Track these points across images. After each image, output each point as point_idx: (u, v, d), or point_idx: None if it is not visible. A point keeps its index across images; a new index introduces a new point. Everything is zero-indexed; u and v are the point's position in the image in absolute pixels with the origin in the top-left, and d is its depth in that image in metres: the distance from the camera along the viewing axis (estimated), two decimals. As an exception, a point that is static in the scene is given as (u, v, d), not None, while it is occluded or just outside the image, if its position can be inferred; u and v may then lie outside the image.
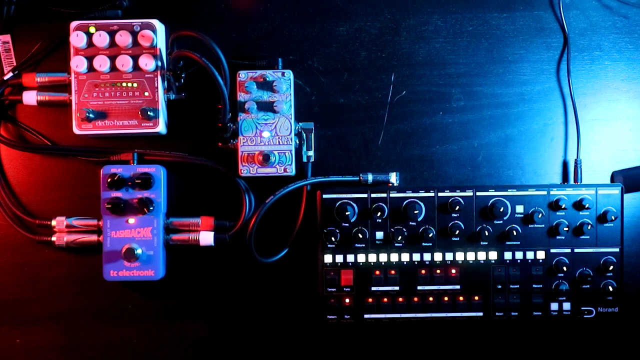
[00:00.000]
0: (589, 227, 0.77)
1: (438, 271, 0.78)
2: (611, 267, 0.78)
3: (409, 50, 0.81)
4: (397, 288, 0.78)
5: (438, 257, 0.78)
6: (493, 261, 0.78)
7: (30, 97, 0.78)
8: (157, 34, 0.77)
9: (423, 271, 0.78)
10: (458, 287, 0.78)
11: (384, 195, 0.78)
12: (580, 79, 0.82)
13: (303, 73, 0.81)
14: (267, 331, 0.81)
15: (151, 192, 0.77)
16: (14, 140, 0.80)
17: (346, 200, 0.77)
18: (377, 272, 0.78)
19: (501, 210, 0.77)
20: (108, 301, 0.81)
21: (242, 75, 0.77)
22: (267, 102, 0.77)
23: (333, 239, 0.77)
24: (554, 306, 0.79)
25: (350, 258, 0.78)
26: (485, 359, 0.82)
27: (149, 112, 0.76)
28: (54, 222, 0.78)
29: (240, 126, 0.77)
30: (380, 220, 0.78)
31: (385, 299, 0.78)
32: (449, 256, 0.78)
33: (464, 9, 0.81)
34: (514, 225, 0.78)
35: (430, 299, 0.78)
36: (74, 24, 0.76)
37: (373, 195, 0.78)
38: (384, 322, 0.78)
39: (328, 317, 0.78)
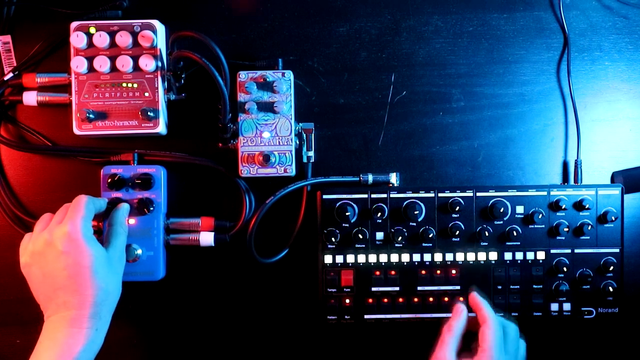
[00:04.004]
0: (589, 228, 0.77)
1: (438, 272, 0.78)
2: (611, 268, 0.78)
3: (409, 50, 0.81)
4: (397, 288, 0.78)
5: (438, 257, 0.78)
6: (493, 262, 0.78)
7: (30, 98, 0.78)
8: (157, 34, 0.77)
9: (423, 271, 0.78)
10: (458, 287, 0.78)
11: (384, 195, 0.78)
12: (580, 80, 0.82)
13: (303, 73, 0.81)
14: (268, 331, 0.81)
15: (151, 192, 0.77)
16: (14, 140, 0.80)
17: (346, 201, 0.77)
18: (378, 273, 0.78)
19: (501, 210, 0.77)
20: (108, 301, 0.81)
21: (242, 75, 0.77)
22: (268, 102, 0.77)
23: (333, 239, 0.77)
24: (554, 306, 0.79)
25: (351, 258, 0.78)
26: (486, 359, 0.82)
27: (149, 113, 0.76)
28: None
29: (240, 127, 0.77)
30: (380, 221, 0.78)
31: (386, 300, 0.78)
32: (449, 256, 0.78)
33: (464, 10, 0.81)
34: (514, 225, 0.78)
35: (431, 299, 0.78)
36: (74, 24, 0.76)
37: (373, 195, 0.78)
38: (384, 322, 0.78)
39: (328, 317, 0.78)
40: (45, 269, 0.67)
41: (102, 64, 0.76)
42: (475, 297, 0.73)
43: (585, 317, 0.79)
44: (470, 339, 0.73)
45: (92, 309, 0.66)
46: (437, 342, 0.70)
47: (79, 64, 0.76)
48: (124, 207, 0.75)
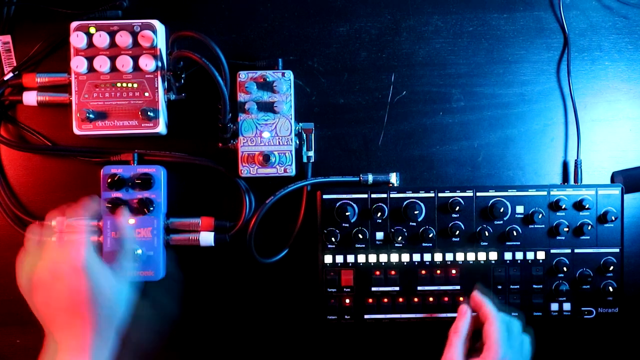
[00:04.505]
0: (589, 228, 0.77)
1: (438, 271, 0.78)
2: (611, 268, 0.78)
3: (409, 50, 0.81)
4: (397, 288, 0.78)
5: (438, 257, 0.78)
6: (493, 261, 0.78)
7: (30, 98, 0.78)
8: (157, 34, 0.77)
9: (423, 271, 0.78)
10: (458, 287, 0.78)
11: (384, 195, 0.78)
12: (580, 80, 0.82)
13: (303, 73, 0.81)
14: (268, 331, 0.81)
15: (151, 192, 0.77)
16: (14, 140, 0.80)
17: (346, 201, 0.77)
18: (377, 273, 0.78)
19: (501, 210, 0.77)
20: (108, 301, 0.80)
21: (242, 75, 0.77)
22: (267, 102, 0.77)
23: (333, 239, 0.77)
24: (554, 306, 0.79)
25: (351, 258, 0.78)
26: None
27: (149, 113, 0.76)
28: (54, 223, 0.78)
29: (240, 126, 0.77)
30: (380, 221, 0.78)
31: (386, 299, 0.78)
32: (449, 256, 0.78)
33: (464, 10, 0.81)
34: (514, 225, 0.78)
35: (431, 299, 0.78)
36: (74, 24, 0.76)
37: (373, 195, 0.78)
38: (384, 322, 0.78)
39: (328, 317, 0.78)
40: (49, 298, 0.66)
41: (102, 64, 0.76)
42: (477, 296, 0.74)
43: (585, 317, 0.79)
44: (477, 339, 0.73)
45: (96, 336, 0.65)
46: (445, 345, 0.70)
47: (79, 64, 0.76)
48: (131, 234, 0.74)
